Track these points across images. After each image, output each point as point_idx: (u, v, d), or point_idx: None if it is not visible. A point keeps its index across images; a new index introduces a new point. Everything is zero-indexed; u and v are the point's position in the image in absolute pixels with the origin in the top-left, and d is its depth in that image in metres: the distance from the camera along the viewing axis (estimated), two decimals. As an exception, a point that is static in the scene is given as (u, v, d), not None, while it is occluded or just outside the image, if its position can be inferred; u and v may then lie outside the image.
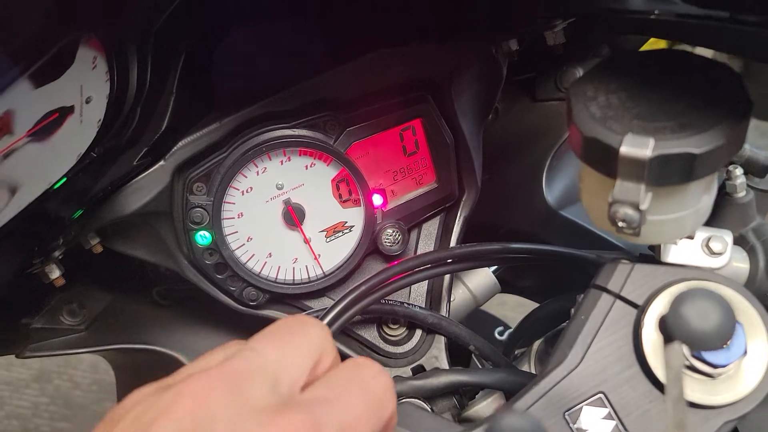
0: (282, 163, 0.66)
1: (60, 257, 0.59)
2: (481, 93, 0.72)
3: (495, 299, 0.81)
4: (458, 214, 0.73)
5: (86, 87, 0.50)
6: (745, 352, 0.42)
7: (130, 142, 0.61)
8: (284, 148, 0.65)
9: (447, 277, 0.71)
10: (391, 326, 0.70)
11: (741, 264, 0.53)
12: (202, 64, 0.67)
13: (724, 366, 0.42)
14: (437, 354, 0.70)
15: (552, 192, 0.86)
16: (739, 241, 0.55)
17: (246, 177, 0.65)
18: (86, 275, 0.80)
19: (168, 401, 0.28)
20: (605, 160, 0.39)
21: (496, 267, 0.86)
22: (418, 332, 0.71)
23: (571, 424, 0.44)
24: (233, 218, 0.66)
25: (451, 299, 0.78)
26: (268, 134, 0.64)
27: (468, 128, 0.71)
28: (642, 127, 0.38)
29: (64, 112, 0.49)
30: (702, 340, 0.26)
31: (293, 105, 0.65)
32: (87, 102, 0.52)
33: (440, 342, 0.70)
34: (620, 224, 0.40)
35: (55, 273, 0.60)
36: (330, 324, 0.56)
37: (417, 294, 0.72)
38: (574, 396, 0.45)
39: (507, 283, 0.93)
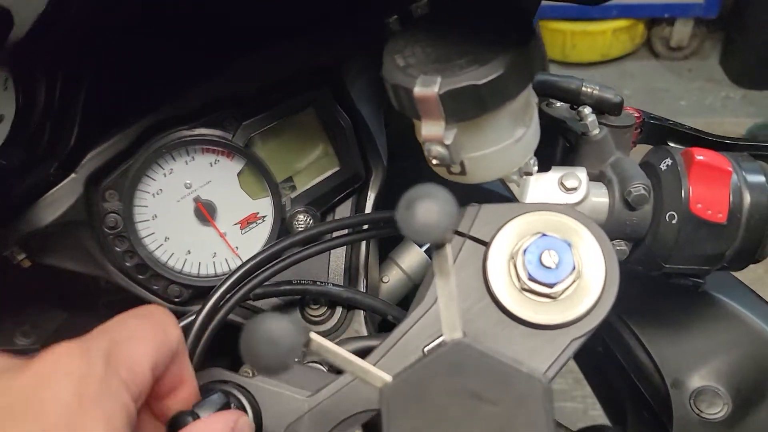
0: (187, 163, 0.70)
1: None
2: (378, 76, 0.75)
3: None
4: (368, 195, 0.76)
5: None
6: (575, 268, 0.45)
7: (42, 157, 0.66)
8: (186, 147, 0.69)
9: (362, 253, 0.74)
10: (312, 306, 0.73)
11: (601, 198, 0.55)
12: (106, 80, 0.71)
13: (555, 284, 0.45)
14: (358, 328, 0.72)
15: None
16: (599, 177, 0.57)
17: (154, 180, 0.69)
18: (34, 297, 0.85)
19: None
20: (409, 105, 0.42)
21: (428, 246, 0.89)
22: (339, 309, 0.73)
23: (429, 359, 0.47)
24: (148, 220, 0.70)
25: (386, 281, 0.82)
26: (168, 137, 0.68)
27: (366, 111, 0.74)
28: (436, 68, 0.42)
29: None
30: (421, 233, 0.28)
31: (192, 107, 0.69)
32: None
33: (359, 316, 0.73)
34: (434, 162, 0.43)
35: (-23, 285, 0.64)
36: (216, 305, 0.60)
37: (335, 273, 0.74)
38: (432, 332, 0.47)
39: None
